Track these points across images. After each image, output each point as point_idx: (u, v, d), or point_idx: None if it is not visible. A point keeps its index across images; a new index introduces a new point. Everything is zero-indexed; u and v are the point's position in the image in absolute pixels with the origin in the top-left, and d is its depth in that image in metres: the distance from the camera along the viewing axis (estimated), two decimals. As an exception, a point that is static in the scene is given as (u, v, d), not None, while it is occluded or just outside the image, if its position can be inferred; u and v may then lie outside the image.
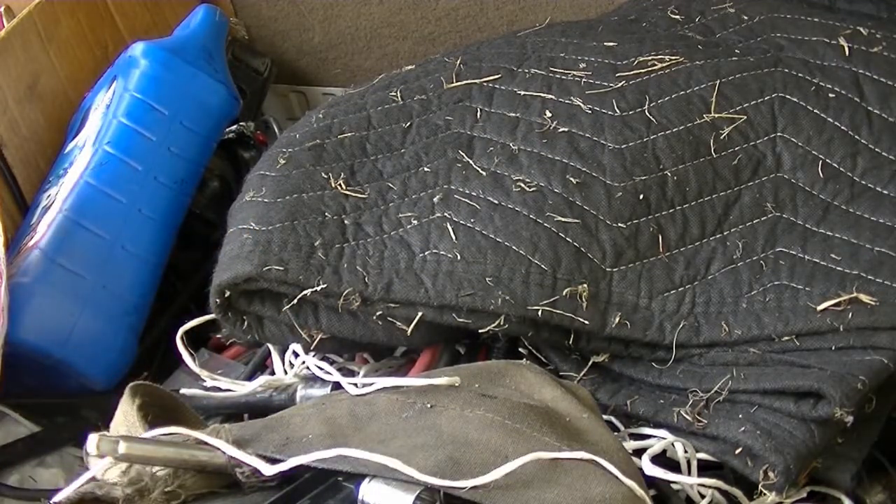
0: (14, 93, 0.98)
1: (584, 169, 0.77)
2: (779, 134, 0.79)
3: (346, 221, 0.76)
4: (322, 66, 1.24)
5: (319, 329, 0.74)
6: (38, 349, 0.85)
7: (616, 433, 0.70)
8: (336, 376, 0.76)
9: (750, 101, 0.80)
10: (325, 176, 0.79)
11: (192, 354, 0.81)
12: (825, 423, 0.66)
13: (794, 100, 0.80)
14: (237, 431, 0.62)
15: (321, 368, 0.78)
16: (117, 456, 0.57)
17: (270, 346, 0.84)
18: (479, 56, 0.87)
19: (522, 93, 0.82)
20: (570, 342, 0.73)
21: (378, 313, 0.72)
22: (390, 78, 0.88)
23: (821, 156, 0.78)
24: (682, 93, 0.80)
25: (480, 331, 0.72)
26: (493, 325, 0.71)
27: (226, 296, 0.73)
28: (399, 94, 0.85)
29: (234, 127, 1.07)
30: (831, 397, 0.64)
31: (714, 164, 0.78)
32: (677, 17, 0.91)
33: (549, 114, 0.80)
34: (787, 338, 0.70)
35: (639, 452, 0.67)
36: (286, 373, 0.82)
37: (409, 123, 0.83)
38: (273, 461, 0.59)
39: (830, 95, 0.80)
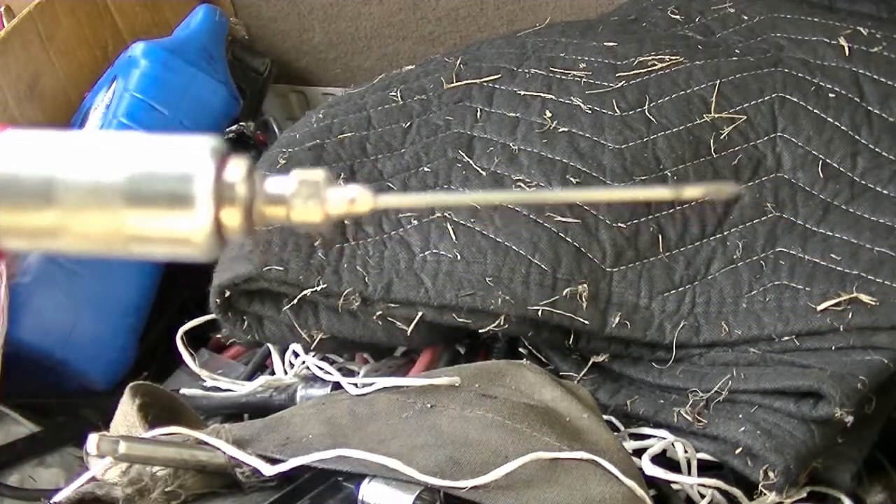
0: (14, 93, 0.98)
1: (584, 169, 0.77)
2: (779, 134, 0.79)
3: (345, 221, 0.76)
4: (322, 66, 1.24)
5: (319, 329, 0.74)
6: (38, 349, 0.85)
7: (616, 433, 0.70)
8: (336, 376, 0.76)
9: (750, 101, 0.80)
10: (325, 176, 0.79)
11: (192, 354, 0.81)
12: (825, 423, 0.66)
13: (794, 100, 0.80)
14: (237, 431, 0.62)
15: (321, 368, 0.78)
16: (117, 456, 0.57)
17: (270, 346, 0.84)
18: (479, 56, 0.87)
19: (522, 93, 0.82)
20: (570, 342, 0.73)
21: (378, 313, 0.72)
22: (390, 78, 0.88)
23: (821, 156, 0.78)
24: (682, 93, 0.80)
25: (480, 331, 0.72)
26: (493, 325, 0.71)
27: (226, 296, 0.73)
28: (399, 94, 0.84)
29: (234, 127, 1.07)
30: (831, 397, 0.64)
31: (714, 164, 0.78)
32: (677, 17, 0.91)
33: (549, 114, 0.80)
34: (787, 338, 0.70)
35: (639, 452, 0.67)
36: (286, 373, 0.82)
37: (409, 123, 0.82)
38: (273, 461, 0.59)
39: (830, 95, 0.80)
